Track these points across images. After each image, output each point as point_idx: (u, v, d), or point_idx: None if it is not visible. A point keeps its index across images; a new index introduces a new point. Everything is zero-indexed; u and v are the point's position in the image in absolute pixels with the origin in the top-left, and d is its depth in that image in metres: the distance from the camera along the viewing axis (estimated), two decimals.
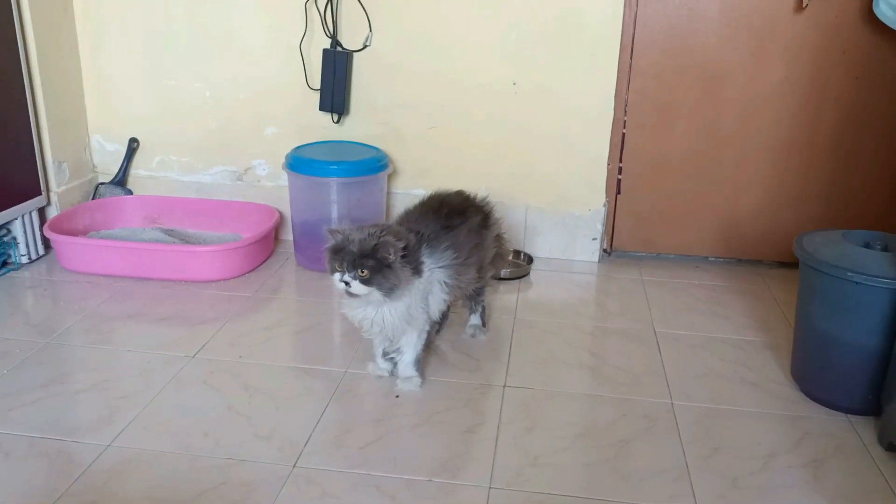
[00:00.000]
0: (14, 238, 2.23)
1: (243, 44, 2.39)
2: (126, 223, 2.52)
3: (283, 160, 2.37)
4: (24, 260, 2.26)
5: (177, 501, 1.31)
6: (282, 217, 2.46)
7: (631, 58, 2.29)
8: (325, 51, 2.31)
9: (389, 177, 2.40)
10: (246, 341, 1.88)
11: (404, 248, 1.52)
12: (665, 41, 2.27)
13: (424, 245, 1.61)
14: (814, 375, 1.69)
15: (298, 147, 2.34)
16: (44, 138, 2.31)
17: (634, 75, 2.31)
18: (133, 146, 2.54)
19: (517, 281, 2.32)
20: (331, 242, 1.54)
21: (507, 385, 1.72)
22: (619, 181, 2.42)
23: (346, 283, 1.50)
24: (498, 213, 1.93)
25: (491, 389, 1.70)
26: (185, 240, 2.43)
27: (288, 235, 2.51)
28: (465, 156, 2.41)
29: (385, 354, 1.73)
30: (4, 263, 2.22)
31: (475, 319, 1.96)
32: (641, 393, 1.71)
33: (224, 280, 2.22)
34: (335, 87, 2.33)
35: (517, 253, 2.44)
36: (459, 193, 1.86)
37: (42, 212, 2.34)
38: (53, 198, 2.37)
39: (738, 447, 1.51)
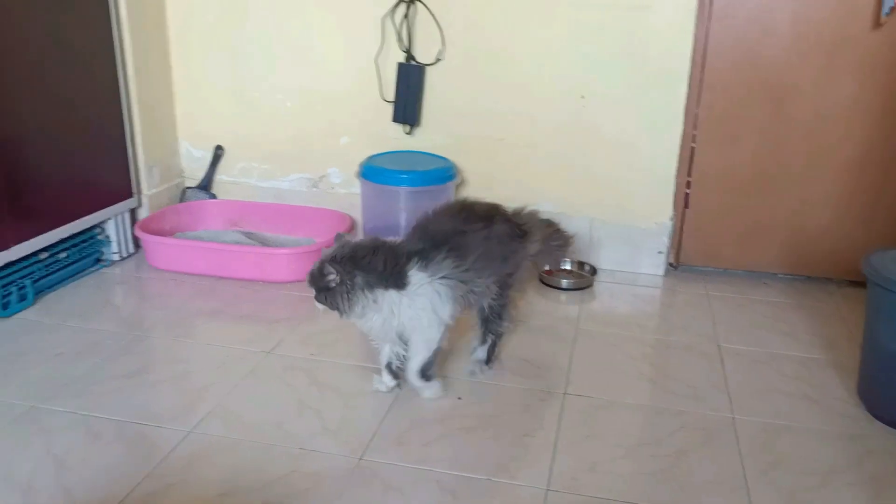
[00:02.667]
0: (107, 236, 2.39)
1: (322, 57, 2.50)
2: (209, 225, 2.66)
3: (355, 168, 2.47)
4: (116, 257, 2.42)
5: (251, 487, 1.40)
6: (353, 223, 2.56)
7: (702, 72, 2.30)
8: (399, 64, 2.40)
9: (457, 186, 2.46)
10: (317, 340, 1.97)
11: (353, 267, 1.58)
12: (736, 56, 2.27)
13: (415, 259, 1.61)
14: (879, 394, 1.67)
15: (371, 156, 2.43)
16: (137, 144, 2.47)
17: (705, 89, 2.32)
18: (218, 153, 2.69)
19: (580, 292, 2.35)
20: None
21: (567, 393, 1.76)
22: (686, 195, 2.43)
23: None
24: (543, 229, 1.90)
25: (551, 396, 1.74)
26: (263, 242, 2.55)
27: None
28: (531, 167, 2.46)
29: (389, 367, 1.72)
30: (97, 260, 2.38)
31: (481, 353, 1.84)
32: (702, 406, 1.72)
33: (298, 281, 2.32)
34: (408, 99, 2.42)
35: (580, 264, 2.47)
36: (494, 206, 1.83)
37: (133, 213, 2.50)
38: (144, 200, 2.53)
39: (798, 463, 1.51)
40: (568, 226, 2.42)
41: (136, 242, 2.49)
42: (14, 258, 2.00)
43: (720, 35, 2.26)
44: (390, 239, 1.69)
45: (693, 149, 2.38)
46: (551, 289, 2.36)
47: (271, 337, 1.98)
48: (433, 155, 2.46)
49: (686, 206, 2.44)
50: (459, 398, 1.72)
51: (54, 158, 2.14)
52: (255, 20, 2.51)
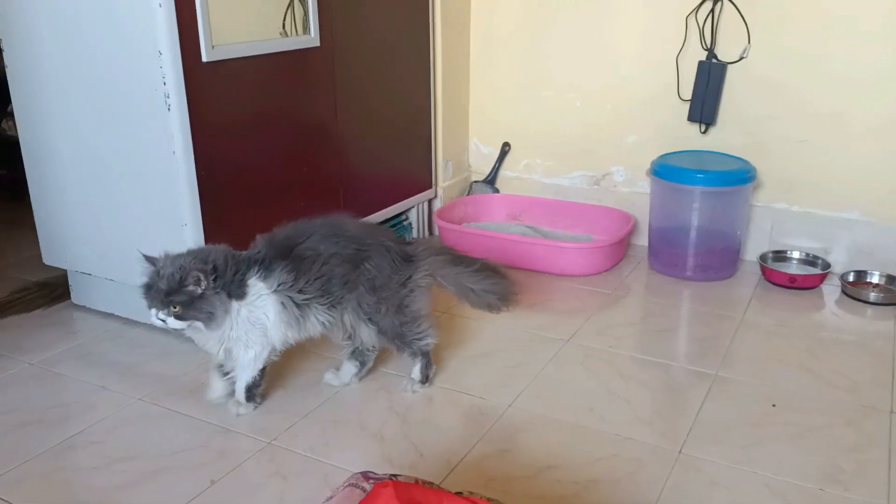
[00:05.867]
0: (409, 223, 2.62)
1: (618, 57, 2.54)
2: (491, 218, 2.81)
3: (640, 167, 2.47)
4: None
5: (576, 463, 1.47)
6: (635, 222, 2.56)
7: None
8: (700, 62, 2.37)
9: (754, 189, 2.38)
10: (613, 333, 2.01)
11: (214, 271, 1.47)
12: None
13: (256, 267, 1.52)
14: None
15: (664, 154, 2.42)
16: (438, 140, 2.67)
17: None
18: (505, 149, 2.83)
19: (891, 307, 2.17)
20: (143, 279, 1.49)
21: (893, 411, 1.64)
22: None
23: (162, 321, 1.46)
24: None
25: (875, 413, 1.64)
26: (544, 237, 2.64)
27: (639, 240, 2.61)
28: (837, 172, 2.31)
29: (224, 374, 1.63)
30: None
31: (414, 372, 1.72)
32: None
33: (583, 276, 2.38)
34: (706, 98, 2.38)
35: (891, 278, 2.28)
36: (375, 227, 1.72)
37: (430, 203, 2.71)
38: (439, 191, 2.73)
39: None
40: (876, 235, 2.28)
41: (431, 229, 2.70)
42: None
43: None
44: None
45: None
46: (857, 302, 2.21)
47: (567, 326, 2.04)
48: (729, 155, 2.40)
49: None
50: (773, 405, 1.67)
51: (379, 153, 2.39)
52: (555, 22, 2.60)
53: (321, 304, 1.57)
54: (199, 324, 1.48)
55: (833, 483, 1.41)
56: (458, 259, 1.72)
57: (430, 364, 1.73)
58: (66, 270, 2.13)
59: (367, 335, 1.66)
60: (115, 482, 1.42)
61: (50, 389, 1.76)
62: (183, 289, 1.44)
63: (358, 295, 1.59)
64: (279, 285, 1.52)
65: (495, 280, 1.73)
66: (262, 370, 1.61)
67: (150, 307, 1.47)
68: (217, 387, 1.64)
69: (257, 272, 1.52)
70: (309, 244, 1.56)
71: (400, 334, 1.66)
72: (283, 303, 1.54)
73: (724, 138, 2.44)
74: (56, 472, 1.46)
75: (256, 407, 1.64)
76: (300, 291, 1.54)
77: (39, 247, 2.10)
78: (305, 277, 1.54)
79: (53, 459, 1.49)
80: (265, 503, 1.36)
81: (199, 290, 1.45)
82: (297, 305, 1.55)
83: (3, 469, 1.45)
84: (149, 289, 1.46)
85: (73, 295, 2.16)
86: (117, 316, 2.07)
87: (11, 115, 2.92)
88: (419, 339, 1.68)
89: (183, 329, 1.49)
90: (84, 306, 2.15)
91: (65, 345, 1.96)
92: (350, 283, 1.58)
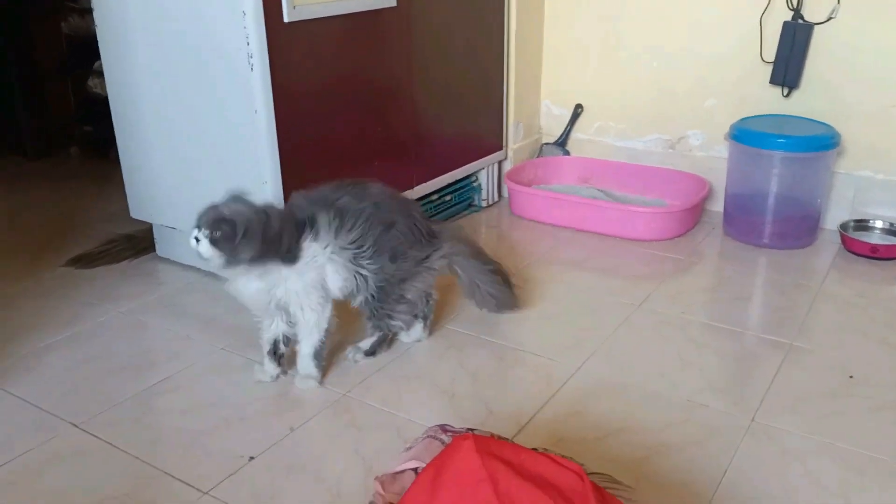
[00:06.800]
0: (479, 184, 2.62)
1: (698, 17, 2.46)
2: (561, 180, 2.79)
3: (718, 131, 2.41)
4: (484, 203, 2.65)
5: (646, 426, 1.47)
6: (710, 187, 2.51)
7: None
8: (785, 23, 2.28)
9: (837, 155, 2.30)
10: (685, 299, 1.99)
11: (267, 230, 1.44)
12: None
13: (306, 228, 1.51)
14: None
15: (744, 118, 2.36)
16: (510, 102, 2.65)
17: None
18: (577, 111, 2.79)
19: None
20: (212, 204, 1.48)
21: None
22: None
23: (197, 240, 1.44)
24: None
25: None
26: (615, 200, 2.61)
27: (714, 206, 2.56)
28: None
29: (275, 354, 1.62)
30: (469, 205, 2.63)
31: (365, 344, 1.70)
32: None
33: (655, 241, 2.35)
34: (790, 61, 2.30)
35: None
36: (406, 199, 1.75)
37: (500, 165, 2.71)
38: (509, 153, 2.72)
39: None
40: None
41: (500, 191, 2.70)
42: (417, 196, 2.28)
43: None
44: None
45: None
46: None
47: (638, 291, 2.03)
48: (812, 120, 2.31)
49: None
50: (851, 377, 1.64)
51: (451, 114, 2.40)
52: None
53: (365, 258, 1.57)
54: (220, 260, 1.46)
55: None
56: (478, 253, 1.76)
57: (384, 344, 1.72)
58: (151, 224, 2.22)
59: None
60: (201, 426, 1.49)
61: (137, 337, 1.85)
62: (237, 234, 1.42)
63: (382, 259, 1.59)
64: (336, 233, 1.53)
65: (502, 287, 1.79)
66: (325, 331, 1.59)
67: (195, 224, 1.46)
68: (269, 368, 1.63)
69: (310, 232, 1.52)
70: (345, 201, 1.56)
71: (381, 301, 1.63)
72: (336, 255, 1.55)
73: (807, 102, 2.35)
74: (145, 415, 1.54)
75: (321, 371, 1.62)
76: (351, 242, 1.55)
77: (126, 201, 2.19)
78: (351, 228, 1.55)
79: (143, 403, 1.58)
80: (341, 451, 1.42)
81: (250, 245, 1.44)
82: (353, 254, 1.56)
83: (97, 410, 1.55)
84: (209, 208, 1.46)
85: (157, 248, 2.25)
86: (199, 269, 2.16)
87: (97, 72, 3.04)
88: (391, 318, 1.66)
89: (211, 260, 1.46)
90: (168, 259, 2.24)
91: (150, 295, 2.05)
92: (380, 245, 1.58)
